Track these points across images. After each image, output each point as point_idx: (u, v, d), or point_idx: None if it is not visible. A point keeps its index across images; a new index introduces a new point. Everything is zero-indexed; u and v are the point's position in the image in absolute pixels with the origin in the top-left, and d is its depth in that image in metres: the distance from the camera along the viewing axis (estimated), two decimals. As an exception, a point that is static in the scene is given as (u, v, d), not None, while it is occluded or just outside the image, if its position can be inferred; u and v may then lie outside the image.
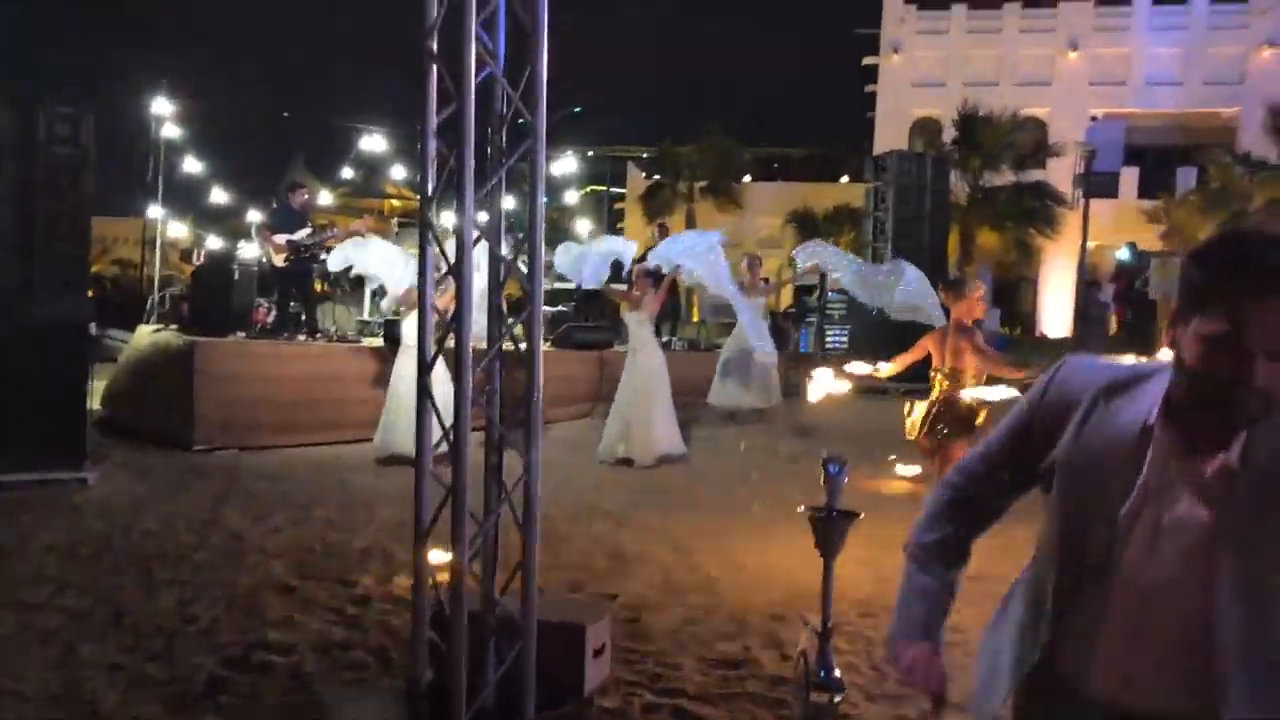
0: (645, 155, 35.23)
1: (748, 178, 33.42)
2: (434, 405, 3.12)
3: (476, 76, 3.13)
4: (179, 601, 4.90)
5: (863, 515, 3.45)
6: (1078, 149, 21.91)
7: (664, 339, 13.46)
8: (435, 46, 3.19)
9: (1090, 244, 22.13)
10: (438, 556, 3.19)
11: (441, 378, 3.62)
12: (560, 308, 13.71)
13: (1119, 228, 26.41)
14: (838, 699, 3.37)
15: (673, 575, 5.64)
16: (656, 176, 32.28)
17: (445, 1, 3.12)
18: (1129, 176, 29.46)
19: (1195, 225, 25.61)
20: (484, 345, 3.30)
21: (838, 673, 3.40)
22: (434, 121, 3.20)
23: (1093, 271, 21.62)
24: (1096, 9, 31.43)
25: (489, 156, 3.22)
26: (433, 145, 3.24)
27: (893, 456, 8.45)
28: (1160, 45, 30.92)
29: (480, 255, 3.31)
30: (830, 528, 3.34)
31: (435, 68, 3.16)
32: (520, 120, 3.21)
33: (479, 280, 3.15)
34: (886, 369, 6.43)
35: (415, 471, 3.12)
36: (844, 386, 5.76)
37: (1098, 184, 23.00)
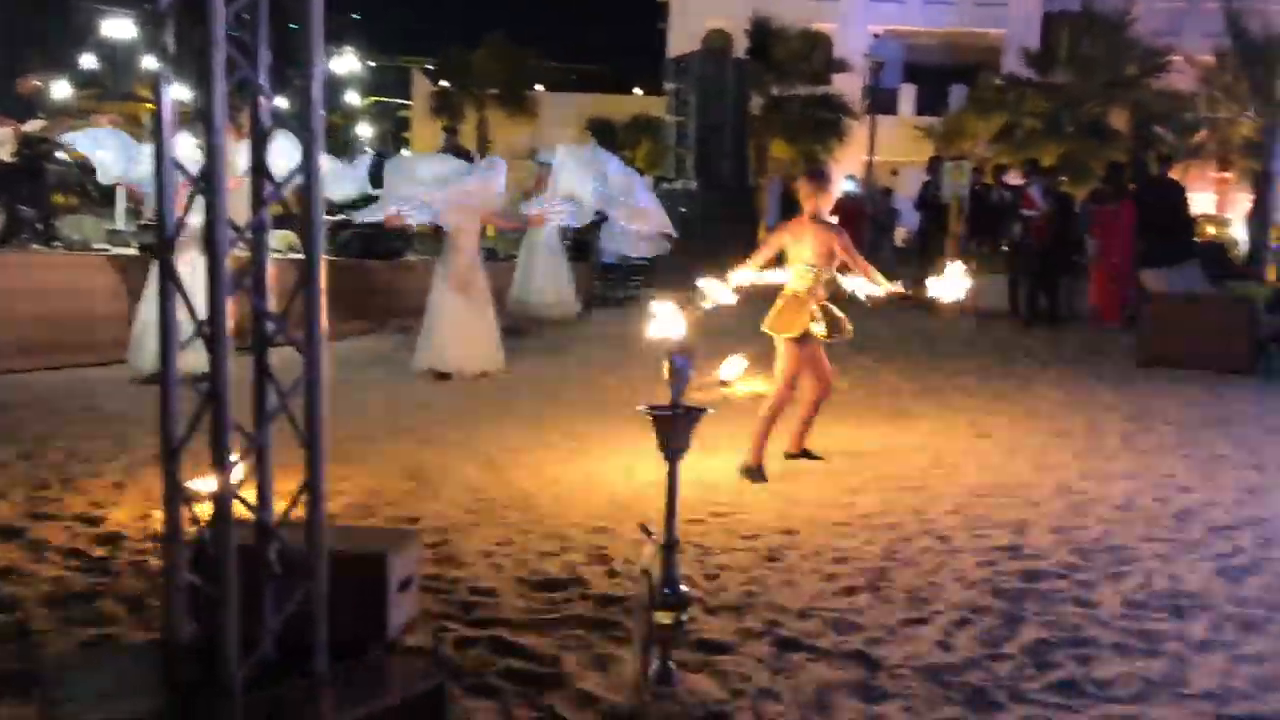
0: (431, 66, 33.49)
1: (540, 87, 32.34)
2: (181, 290, 2.42)
3: None
4: None
5: (711, 411, 3.05)
6: (865, 62, 22.31)
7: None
8: None
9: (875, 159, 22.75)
10: (202, 485, 2.51)
11: (193, 261, 2.92)
12: (344, 216, 12.53)
13: (897, 144, 27.38)
14: (684, 617, 2.99)
15: (483, 493, 5.11)
16: (444, 84, 30.70)
17: None
18: (907, 94, 30.55)
19: (965, 134, 26.98)
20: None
21: (684, 588, 3.01)
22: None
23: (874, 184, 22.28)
24: (878, -74, 32.05)
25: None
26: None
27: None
28: (936, -34, 31.97)
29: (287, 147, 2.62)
30: (675, 426, 2.91)
31: None
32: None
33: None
34: (746, 276, 5.53)
35: (160, 378, 2.43)
36: (732, 298, 5.08)
37: (879, 100, 23.57)
